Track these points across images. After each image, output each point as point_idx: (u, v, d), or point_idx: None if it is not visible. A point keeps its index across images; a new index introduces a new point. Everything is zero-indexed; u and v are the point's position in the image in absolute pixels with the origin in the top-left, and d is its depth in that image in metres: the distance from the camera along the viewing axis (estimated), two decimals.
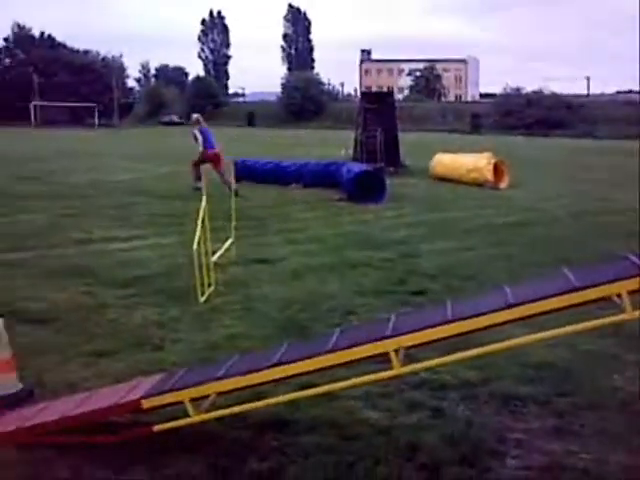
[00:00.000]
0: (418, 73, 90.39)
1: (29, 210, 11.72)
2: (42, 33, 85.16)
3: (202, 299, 5.96)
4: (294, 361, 3.19)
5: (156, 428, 3.36)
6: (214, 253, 6.52)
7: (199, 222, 6.06)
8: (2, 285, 6.63)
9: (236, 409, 3.39)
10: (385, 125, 19.12)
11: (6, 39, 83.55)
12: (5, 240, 9.01)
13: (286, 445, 3.45)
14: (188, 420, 3.33)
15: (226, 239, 7.61)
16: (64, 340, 4.99)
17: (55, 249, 8.44)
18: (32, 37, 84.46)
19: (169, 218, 10.89)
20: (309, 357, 3.17)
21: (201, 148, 14.54)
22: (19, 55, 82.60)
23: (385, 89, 77.71)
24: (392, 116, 20.18)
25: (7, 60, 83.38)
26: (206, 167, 13.53)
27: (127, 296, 6.23)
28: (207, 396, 3.43)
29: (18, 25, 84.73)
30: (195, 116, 15.28)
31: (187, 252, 7.61)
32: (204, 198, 6.34)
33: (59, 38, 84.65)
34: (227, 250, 7.37)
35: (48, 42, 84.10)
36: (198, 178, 14.37)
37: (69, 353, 4.71)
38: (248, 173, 15.22)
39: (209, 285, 6.18)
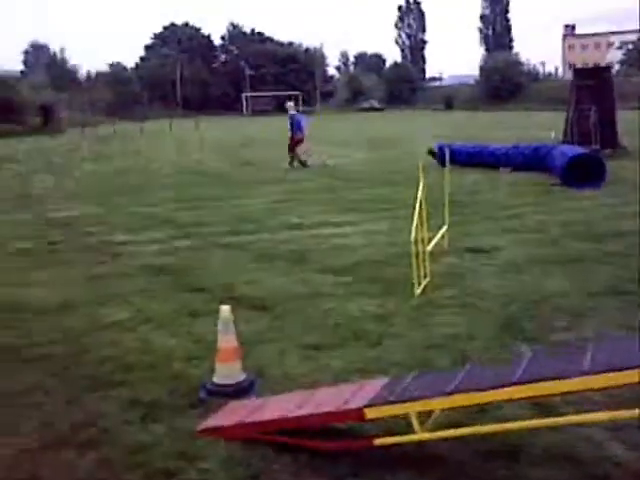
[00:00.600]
0: (630, 46, 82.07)
1: (247, 195, 12.30)
2: (252, 29, 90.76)
3: (418, 291, 5.64)
4: (540, 380, 2.69)
5: (377, 442, 3.09)
6: (429, 241, 6.14)
7: (416, 209, 5.69)
8: (224, 268, 6.88)
9: (468, 430, 3.00)
10: (601, 103, 17.43)
11: (223, 37, 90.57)
12: (226, 224, 9.46)
13: (518, 478, 2.99)
14: (413, 437, 3.01)
15: (440, 226, 7.17)
16: (282, 329, 4.95)
17: (271, 233, 8.66)
18: (244, 33, 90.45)
19: (376, 204, 10.80)
20: (561, 377, 2.64)
21: (290, 133, 16.45)
22: (233, 51, 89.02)
23: (590, 65, 71.97)
24: (609, 93, 18.35)
25: (223, 56, 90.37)
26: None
27: (341, 284, 6.11)
28: (432, 410, 3.09)
29: (232, 24, 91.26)
30: (289, 104, 17.32)
31: (398, 239, 7.42)
32: (421, 184, 5.98)
33: (267, 33, 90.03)
34: (441, 238, 6.96)
35: (257, 37, 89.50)
36: (293, 160, 16.47)
37: (287, 344, 4.63)
38: (454, 157, 14.68)
39: (424, 276, 5.84)
